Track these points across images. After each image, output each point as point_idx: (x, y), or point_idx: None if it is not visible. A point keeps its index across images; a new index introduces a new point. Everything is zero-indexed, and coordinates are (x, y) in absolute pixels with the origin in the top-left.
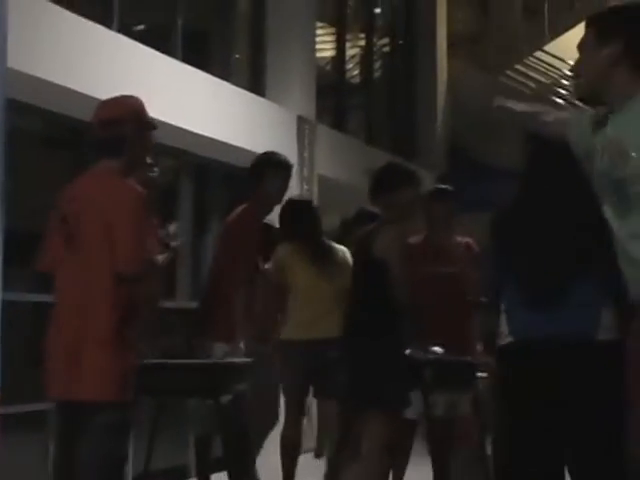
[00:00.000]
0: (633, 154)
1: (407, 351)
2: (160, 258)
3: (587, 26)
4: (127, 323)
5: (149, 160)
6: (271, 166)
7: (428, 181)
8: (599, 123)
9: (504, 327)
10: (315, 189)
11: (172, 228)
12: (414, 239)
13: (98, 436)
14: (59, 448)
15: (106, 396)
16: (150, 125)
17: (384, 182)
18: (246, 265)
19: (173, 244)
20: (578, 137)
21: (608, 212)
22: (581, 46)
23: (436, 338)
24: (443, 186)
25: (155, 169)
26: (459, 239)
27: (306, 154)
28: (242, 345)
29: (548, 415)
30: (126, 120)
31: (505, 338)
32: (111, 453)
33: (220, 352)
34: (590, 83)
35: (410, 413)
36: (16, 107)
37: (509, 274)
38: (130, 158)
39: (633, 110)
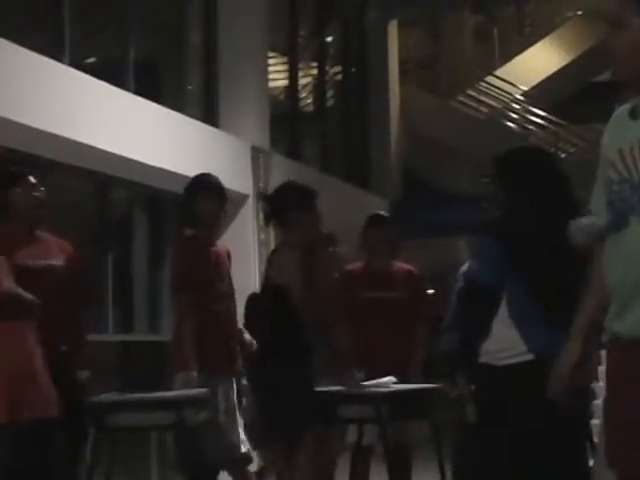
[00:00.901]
0: None
1: (357, 386)
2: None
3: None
4: None
5: (32, 180)
6: (202, 189)
7: (382, 208)
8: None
9: (500, 345)
10: None
11: None
12: (353, 265)
13: None
14: None
15: None
16: None
17: (279, 204)
18: (194, 294)
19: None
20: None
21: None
22: (618, 22)
23: (379, 362)
24: (381, 212)
25: (41, 188)
26: (399, 265)
27: (261, 184)
28: (194, 374)
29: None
30: None
31: (520, 356)
32: None
33: (178, 383)
34: (631, 67)
35: (366, 440)
36: None
37: (526, 293)
38: None
39: None
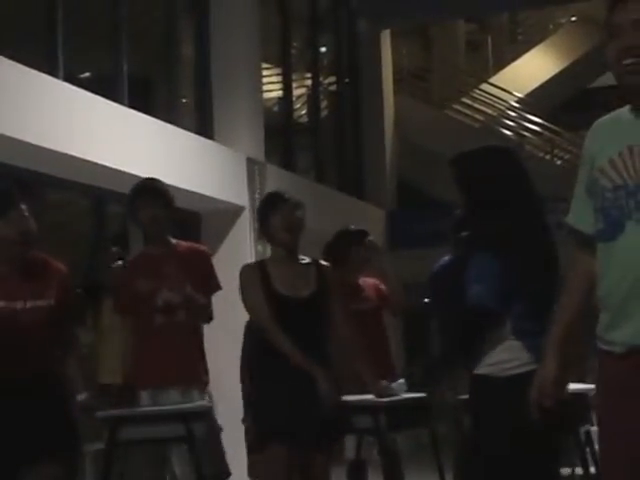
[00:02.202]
0: None
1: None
2: None
3: None
4: None
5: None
6: (140, 195)
7: (379, 217)
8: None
9: (505, 356)
10: None
11: None
12: None
13: None
14: None
15: None
16: None
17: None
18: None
19: None
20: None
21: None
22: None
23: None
24: (361, 228)
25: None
26: (365, 278)
27: (257, 195)
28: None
29: None
30: None
31: (526, 365)
32: None
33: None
34: None
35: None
36: None
37: (524, 308)
38: None
39: None
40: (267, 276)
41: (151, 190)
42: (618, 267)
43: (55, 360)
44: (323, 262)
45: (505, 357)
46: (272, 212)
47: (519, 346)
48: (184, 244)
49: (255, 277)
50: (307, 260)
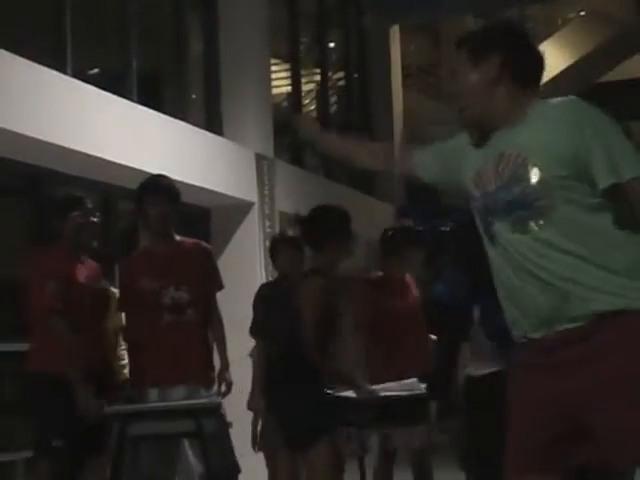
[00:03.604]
0: (536, 167)
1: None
2: None
3: (458, 49)
4: None
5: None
6: (147, 192)
7: (388, 214)
8: (476, 145)
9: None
10: (277, 226)
11: None
12: (372, 275)
13: None
14: None
15: None
16: None
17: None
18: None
19: None
20: (439, 168)
21: (503, 232)
22: (455, 74)
23: (400, 371)
24: (405, 224)
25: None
26: (409, 275)
27: (266, 191)
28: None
29: None
30: None
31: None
32: None
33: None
34: (475, 107)
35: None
36: None
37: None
38: None
39: (529, 122)
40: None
41: (158, 186)
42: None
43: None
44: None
45: (479, 356)
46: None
47: (489, 345)
48: (189, 241)
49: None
50: None
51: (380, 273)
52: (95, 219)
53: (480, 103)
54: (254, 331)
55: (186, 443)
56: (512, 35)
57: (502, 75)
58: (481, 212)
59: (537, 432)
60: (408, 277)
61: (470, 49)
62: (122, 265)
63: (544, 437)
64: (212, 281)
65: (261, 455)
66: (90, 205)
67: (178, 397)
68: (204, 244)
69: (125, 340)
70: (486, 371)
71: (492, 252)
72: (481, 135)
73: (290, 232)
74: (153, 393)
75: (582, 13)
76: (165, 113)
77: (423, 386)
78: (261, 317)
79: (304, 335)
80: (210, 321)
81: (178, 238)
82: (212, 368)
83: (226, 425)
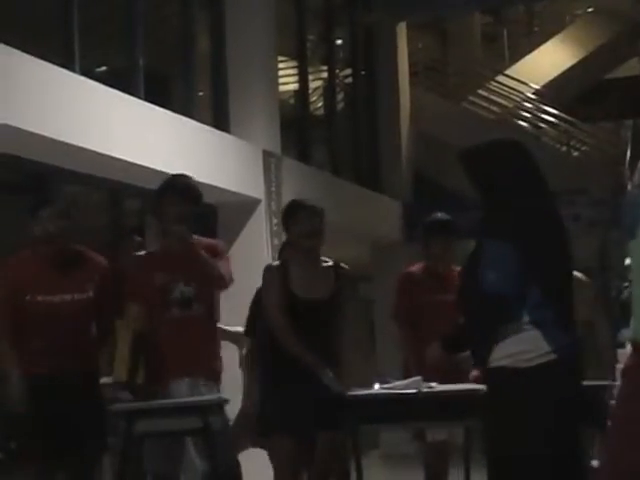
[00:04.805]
0: None
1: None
2: None
3: None
4: None
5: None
6: (169, 192)
7: (395, 210)
8: None
9: (524, 346)
10: None
11: None
12: (414, 268)
13: None
14: None
15: None
16: None
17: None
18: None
19: None
20: None
21: None
22: None
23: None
24: (441, 216)
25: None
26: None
27: (273, 188)
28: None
29: None
30: None
31: (545, 355)
32: None
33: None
34: None
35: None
36: None
37: (541, 296)
38: None
39: None
40: (287, 277)
41: (181, 188)
42: None
43: (93, 355)
44: (343, 265)
45: (524, 347)
46: (292, 221)
47: (538, 336)
48: (204, 242)
49: (276, 278)
50: (328, 263)
51: (421, 266)
52: (63, 220)
53: None
54: (246, 331)
55: (191, 440)
56: None
57: None
58: None
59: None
60: (453, 270)
61: None
62: (135, 261)
63: None
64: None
65: (261, 452)
66: (62, 205)
67: (183, 391)
68: (219, 245)
69: (135, 336)
70: (531, 364)
71: None
72: None
73: None
74: (160, 388)
75: (590, 9)
76: (172, 110)
77: (425, 385)
78: (252, 318)
79: (268, 320)
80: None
81: (193, 238)
82: (220, 364)
83: (228, 422)
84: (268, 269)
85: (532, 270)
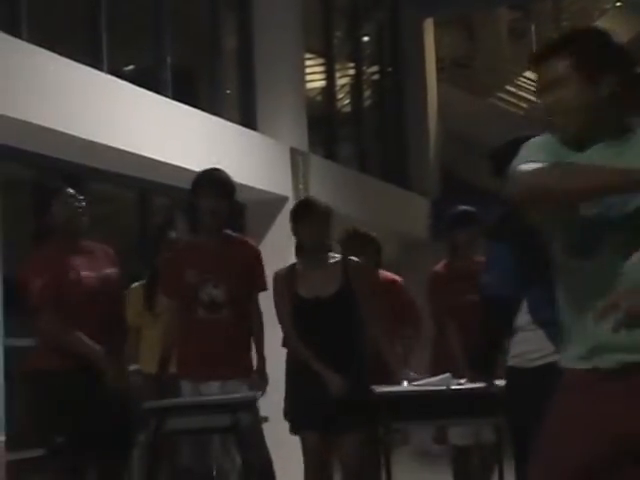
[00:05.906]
0: None
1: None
2: None
3: (560, 54)
4: None
5: (70, 191)
6: (202, 185)
7: (424, 207)
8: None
9: (529, 347)
10: None
11: None
12: (438, 266)
13: None
14: None
15: None
16: None
17: None
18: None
19: None
20: None
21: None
22: (555, 82)
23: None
24: (467, 208)
25: (80, 197)
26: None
27: (300, 185)
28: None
29: None
30: None
31: (550, 356)
32: None
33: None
34: (580, 124)
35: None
36: (6, 152)
37: (542, 296)
38: None
39: (633, 145)
40: (293, 280)
41: (214, 180)
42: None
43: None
44: (352, 258)
45: (529, 347)
46: (297, 222)
47: (541, 335)
48: (237, 239)
49: (283, 286)
50: (336, 258)
51: (444, 263)
52: (79, 203)
53: (587, 120)
54: None
55: (222, 438)
56: (627, 56)
57: (615, 95)
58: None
59: (581, 452)
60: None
61: (584, 65)
62: (167, 255)
63: (588, 459)
64: (256, 281)
65: (294, 448)
66: (71, 190)
67: (211, 392)
68: (251, 243)
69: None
70: (536, 364)
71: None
72: (574, 143)
73: None
74: (186, 386)
75: (618, 4)
76: (200, 109)
77: (455, 381)
78: None
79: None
80: (250, 320)
81: (226, 233)
82: (250, 364)
83: (260, 419)
84: (274, 277)
85: (530, 268)
